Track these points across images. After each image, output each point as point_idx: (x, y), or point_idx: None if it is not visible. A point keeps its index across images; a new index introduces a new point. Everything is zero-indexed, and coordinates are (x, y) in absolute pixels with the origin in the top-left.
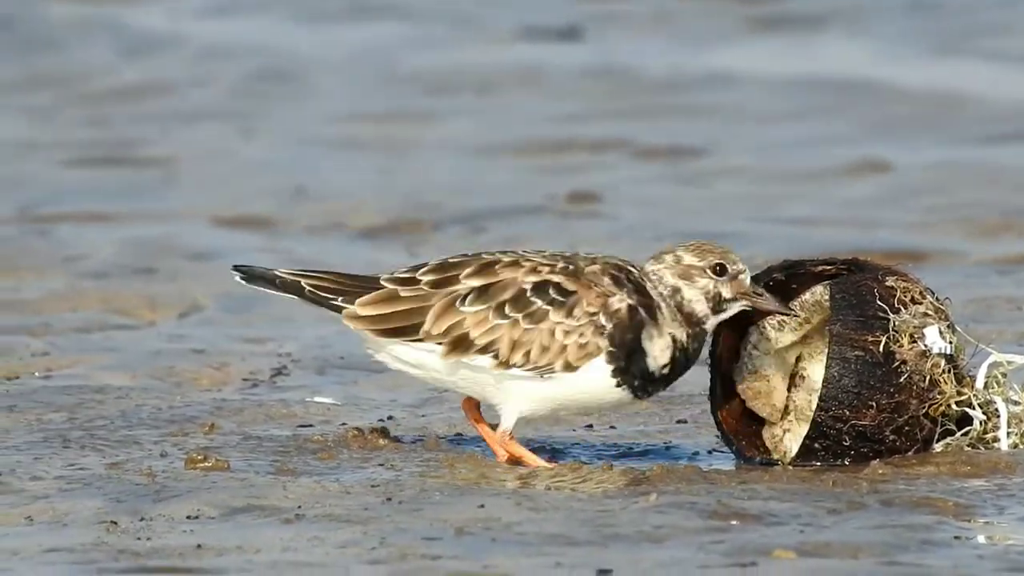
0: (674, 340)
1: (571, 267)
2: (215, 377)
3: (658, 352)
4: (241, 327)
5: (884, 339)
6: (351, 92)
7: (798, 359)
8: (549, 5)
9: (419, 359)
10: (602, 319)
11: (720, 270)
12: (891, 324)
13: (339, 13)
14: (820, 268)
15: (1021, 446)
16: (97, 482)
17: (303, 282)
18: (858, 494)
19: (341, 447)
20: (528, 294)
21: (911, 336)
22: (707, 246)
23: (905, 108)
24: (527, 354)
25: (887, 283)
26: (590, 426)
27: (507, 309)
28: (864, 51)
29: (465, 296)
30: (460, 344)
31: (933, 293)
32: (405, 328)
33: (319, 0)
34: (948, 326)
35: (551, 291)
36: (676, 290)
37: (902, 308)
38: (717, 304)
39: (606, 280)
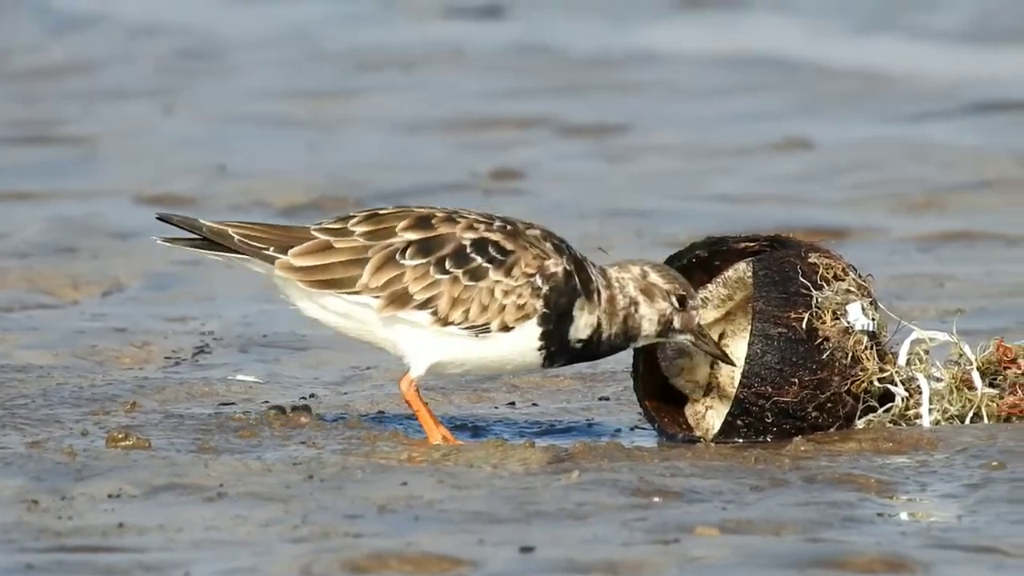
0: (599, 324)
1: (508, 227)
2: (137, 356)
3: (582, 324)
4: (163, 305)
5: (807, 316)
6: (276, 70)
7: (721, 336)
8: None
9: (350, 311)
10: (539, 280)
11: (681, 301)
12: (814, 301)
13: None
14: (743, 245)
15: (943, 423)
16: (18, 461)
17: (231, 231)
18: (780, 471)
19: (263, 425)
20: (468, 250)
21: (834, 313)
22: (674, 273)
23: (831, 85)
24: (466, 312)
25: (810, 260)
26: (512, 404)
27: (447, 264)
28: (790, 29)
29: (404, 249)
30: (398, 298)
31: (856, 270)
32: (341, 280)
33: None
34: (871, 303)
35: (490, 249)
36: (634, 303)
37: (825, 285)
38: (664, 330)
39: (548, 246)
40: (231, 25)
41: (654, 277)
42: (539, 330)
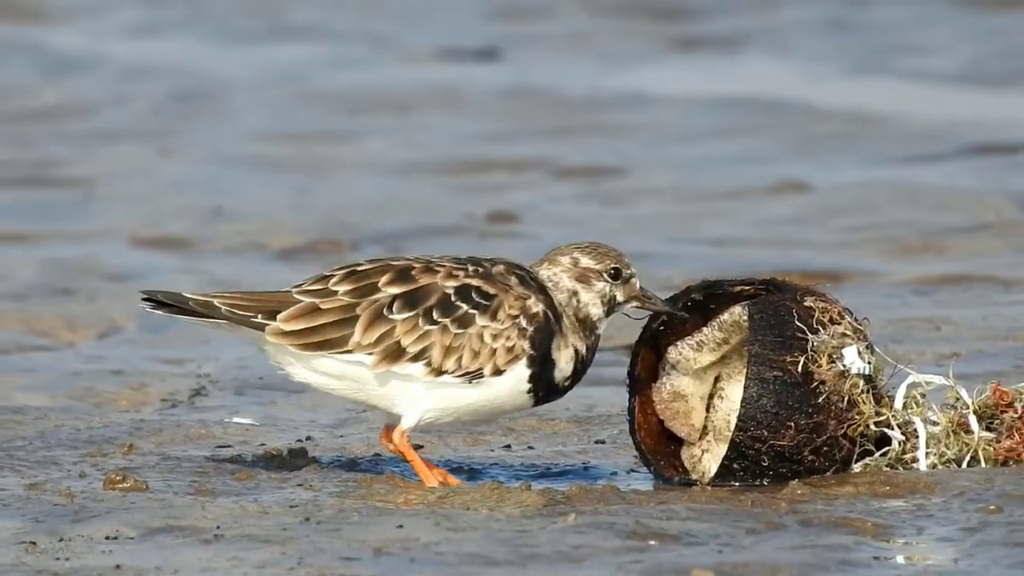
0: (576, 352)
1: (481, 270)
2: (134, 398)
3: (564, 363)
4: (160, 348)
5: (803, 359)
6: (270, 112)
7: (717, 379)
8: (465, 26)
9: (344, 371)
10: (523, 322)
11: (616, 274)
12: (810, 344)
13: (258, 34)
14: (739, 288)
15: (939, 466)
16: (16, 503)
17: (216, 301)
18: (776, 514)
19: (259, 467)
20: (453, 299)
21: (830, 356)
22: (602, 248)
23: (824, 127)
24: (459, 360)
25: (806, 303)
26: (508, 446)
27: (435, 315)
28: (783, 71)
29: (391, 303)
30: (391, 353)
31: (851, 313)
32: (333, 340)
33: (238, 21)
34: (867, 346)
35: (474, 295)
36: (573, 293)
37: (821, 328)
38: (610, 307)
39: (513, 280)
40: (225, 67)
41: (585, 261)
42: (528, 371)
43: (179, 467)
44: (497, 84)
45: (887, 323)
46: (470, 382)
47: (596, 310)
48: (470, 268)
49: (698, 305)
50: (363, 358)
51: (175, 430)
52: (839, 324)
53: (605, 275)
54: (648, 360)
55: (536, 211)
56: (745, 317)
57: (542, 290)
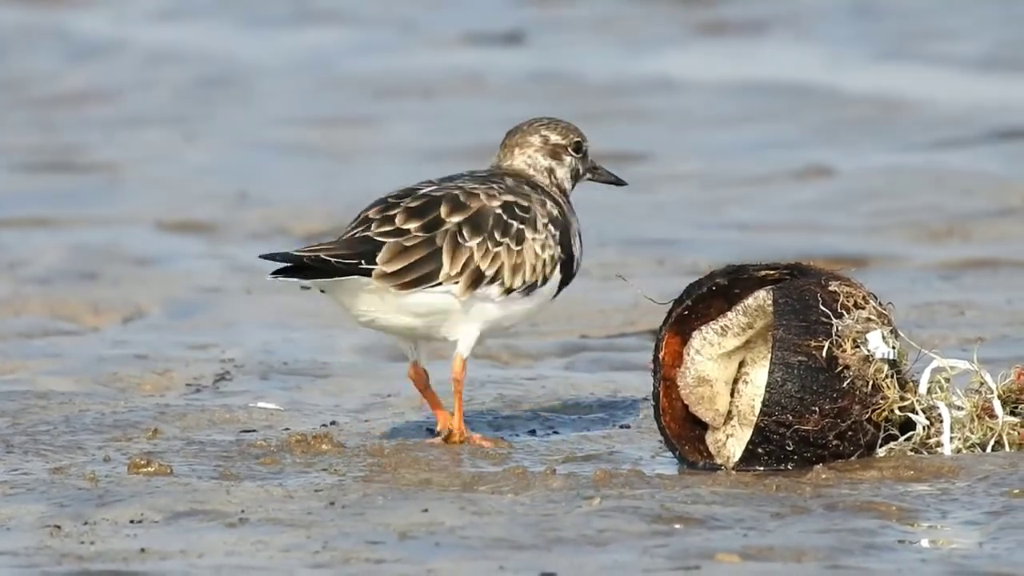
0: (579, 233)
1: (503, 185)
2: (158, 382)
3: (577, 250)
4: (185, 333)
5: (827, 344)
6: (295, 97)
7: (741, 364)
8: (491, 11)
9: (433, 304)
10: (552, 228)
11: (578, 147)
12: (834, 329)
13: (283, 18)
14: (763, 273)
15: (964, 451)
16: (41, 487)
17: (323, 254)
18: (801, 498)
19: (284, 452)
20: (504, 218)
21: (854, 341)
22: (563, 124)
23: (849, 112)
24: (523, 275)
25: (830, 288)
26: (533, 431)
27: (497, 236)
28: (807, 56)
29: (459, 231)
30: (474, 279)
31: (876, 298)
32: (427, 275)
33: (263, 5)
34: (891, 331)
35: (516, 210)
36: (551, 171)
37: (845, 313)
38: (574, 183)
39: (527, 189)
40: (250, 52)
41: (554, 138)
42: (560, 275)
43: (203, 451)
44: (522, 69)
45: (912, 307)
46: (528, 295)
47: (568, 184)
48: (494, 186)
49: (722, 290)
50: (451, 288)
51: (199, 415)
52: (863, 309)
53: (570, 149)
54: (673, 345)
55: None
56: (770, 302)
57: (547, 195)
